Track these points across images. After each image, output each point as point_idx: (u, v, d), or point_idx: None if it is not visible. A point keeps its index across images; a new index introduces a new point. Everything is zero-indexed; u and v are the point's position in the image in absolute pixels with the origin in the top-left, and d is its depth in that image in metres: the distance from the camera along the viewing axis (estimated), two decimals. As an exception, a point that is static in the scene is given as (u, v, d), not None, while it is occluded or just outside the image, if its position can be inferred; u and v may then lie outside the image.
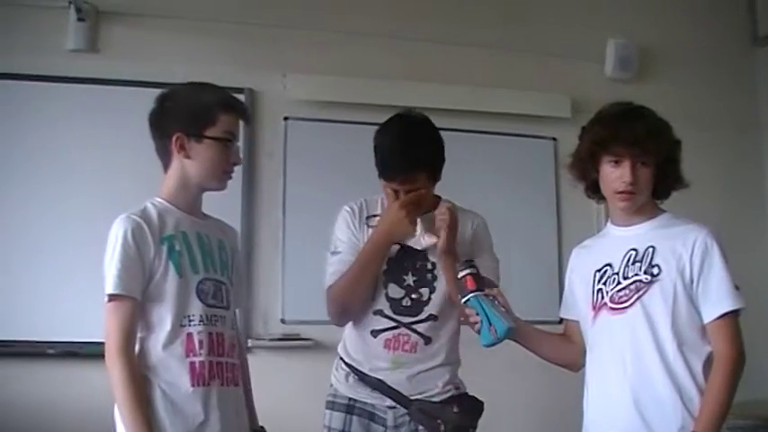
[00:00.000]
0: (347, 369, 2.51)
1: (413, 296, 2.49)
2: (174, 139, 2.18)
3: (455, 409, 2.43)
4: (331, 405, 2.53)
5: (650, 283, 2.17)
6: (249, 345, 4.14)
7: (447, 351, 2.54)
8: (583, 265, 2.38)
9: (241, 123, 2.31)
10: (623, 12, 5.00)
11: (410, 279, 2.50)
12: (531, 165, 4.74)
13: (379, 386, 2.44)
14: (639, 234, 2.25)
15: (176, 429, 2.05)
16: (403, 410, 2.43)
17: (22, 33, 4.09)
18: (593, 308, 2.27)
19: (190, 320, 2.13)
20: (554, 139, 4.69)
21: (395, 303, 2.48)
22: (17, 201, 3.97)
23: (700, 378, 2.11)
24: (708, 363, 2.12)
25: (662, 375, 2.11)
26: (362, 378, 2.47)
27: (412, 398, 2.43)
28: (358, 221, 2.56)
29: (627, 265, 2.23)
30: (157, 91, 3.93)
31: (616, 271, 2.25)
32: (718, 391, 2.06)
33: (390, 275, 2.50)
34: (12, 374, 3.81)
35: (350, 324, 2.56)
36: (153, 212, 2.16)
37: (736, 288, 2.13)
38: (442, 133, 4.63)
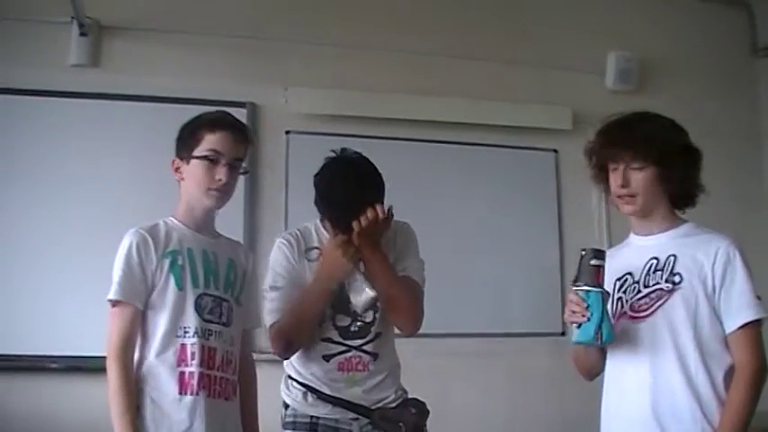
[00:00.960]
0: (302, 388, 2.55)
1: (360, 321, 2.56)
2: (172, 163, 2.35)
3: (413, 411, 2.54)
4: (292, 425, 2.54)
5: (672, 291, 2.17)
6: (253, 358, 4.13)
7: (391, 360, 2.64)
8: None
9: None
10: (624, 24, 5.02)
11: (353, 307, 2.56)
12: (532, 177, 4.74)
13: (340, 402, 2.50)
14: (661, 243, 2.26)
15: None
16: (365, 420, 2.51)
17: (25, 48, 4.10)
18: (613, 316, 2.26)
19: (185, 332, 2.23)
20: (555, 151, 4.70)
21: (343, 330, 2.55)
22: (18, 214, 3.96)
23: (720, 389, 2.10)
24: (729, 374, 2.11)
25: (682, 384, 2.11)
26: (321, 396, 2.52)
27: (372, 408, 2.51)
28: (297, 254, 2.57)
29: (648, 274, 2.23)
30: (159, 105, 4.04)
31: (636, 279, 2.25)
32: (738, 402, 2.05)
33: (338, 308, 2.54)
34: (14, 388, 3.80)
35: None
36: (162, 229, 2.30)
37: (758, 298, 2.12)
38: (444, 146, 4.68)
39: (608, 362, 2.30)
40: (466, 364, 4.33)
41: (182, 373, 2.19)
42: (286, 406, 2.60)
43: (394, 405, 2.56)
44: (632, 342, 2.20)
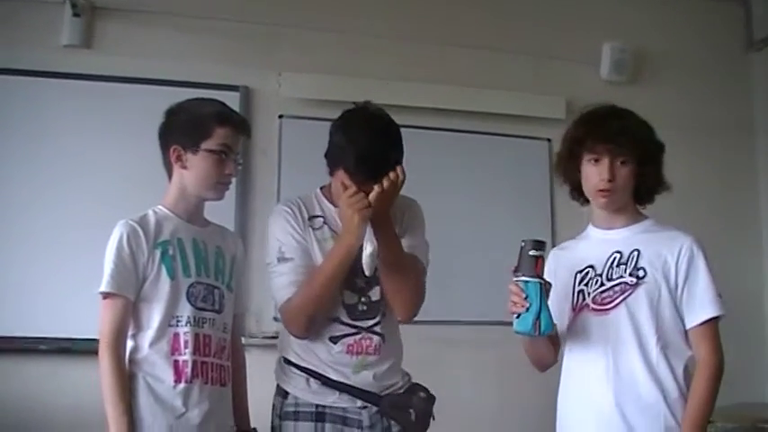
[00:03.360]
0: (304, 374, 2.39)
1: (366, 299, 2.41)
2: (171, 150, 2.31)
3: (422, 395, 2.45)
4: (294, 415, 2.38)
5: (635, 285, 2.19)
6: (243, 343, 4.13)
7: (398, 343, 2.52)
8: (562, 266, 2.37)
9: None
10: (619, 15, 5.01)
11: (361, 281, 2.40)
12: (525, 165, 4.74)
13: (347, 389, 2.36)
14: (624, 237, 2.27)
15: (157, 419, 2.17)
16: (375, 409, 2.37)
17: (17, 28, 4.07)
18: (574, 309, 2.29)
19: (178, 321, 2.25)
20: (548, 140, 4.69)
21: (351, 309, 2.40)
22: (7, 195, 3.95)
23: (681, 381, 2.15)
24: (688, 367, 2.16)
25: (645, 376, 2.14)
26: (326, 382, 2.37)
27: (382, 394, 2.39)
28: (302, 222, 2.42)
29: (611, 267, 2.24)
30: (152, 88, 4.01)
31: (599, 272, 2.26)
32: (700, 396, 2.09)
33: (344, 282, 2.36)
34: (3, 370, 3.80)
35: None
36: (152, 219, 2.29)
37: (719, 296, 2.15)
38: (438, 133, 4.68)
39: (567, 353, 2.32)
40: (457, 352, 4.34)
41: (176, 362, 2.21)
42: (285, 394, 2.43)
43: (402, 391, 2.45)
44: (595, 334, 2.22)
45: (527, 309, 2.09)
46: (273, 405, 2.46)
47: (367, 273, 2.32)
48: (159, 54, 4.24)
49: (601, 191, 2.24)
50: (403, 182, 2.31)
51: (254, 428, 2.48)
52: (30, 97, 4.04)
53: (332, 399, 2.36)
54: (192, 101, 2.41)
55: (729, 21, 5.33)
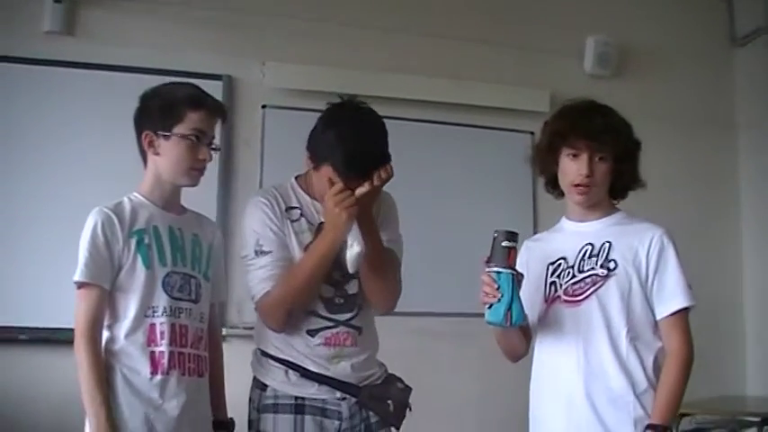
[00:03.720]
0: (283, 366, 2.37)
1: (342, 292, 2.40)
2: (144, 136, 2.27)
3: (400, 385, 2.46)
4: (273, 408, 2.35)
5: (606, 277, 2.20)
6: (224, 333, 4.11)
7: (374, 334, 2.53)
8: (535, 258, 2.37)
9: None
10: (603, 9, 5.03)
11: (337, 275, 2.38)
12: (508, 158, 4.73)
13: (326, 381, 2.35)
14: (596, 230, 2.28)
15: (134, 411, 2.14)
16: (353, 400, 2.37)
17: (-3, 13, 4.04)
18: (546, 300, 2.29)
19: (154, 311, 2.22)
20: (532, 133, 4.68)
21: (328, 303, 2.39)
22: (-14, 184, 3.92)
23: (650, 372, 2.16)
24: (657, 358, 2.18)
25: (615, 368, 2.15)
26: (306, 374, 2.35)
27: (360, 385, 2.39)
28: (279, 214, 2.38)
29: (583, 259, 2.25)
30: (135, 76, 3.98)
31: (571, 264, 2.27)
32: (671, 386, 2.11)
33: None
34: (-18, 359, 3.77)
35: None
36: (127, 207, 2.25)
37: (689, 287, 2.17)
38: (420, 125, 4.68)
39: (538, 344, 2.33)
40: (437, 344, 4.35)
41: (152, 353, 2.18)
42: (263, 387, 2.40)
43: (380, 382, 2.45)
44: (566, 326, 2.23)
45: (499, 299, 2.10)
46: (251, 398, 2.44)
47: (351, 270, 2.31)
48: (142, 42, 4.21)
49: (577, 186, 2.24)
50: (388, 180, 2.31)
51: (231, 418, 2.45)
52: (9, 84, 4.01)
53: (311, 390, 2.35)
54: (167, 85, 2.36)
55: (713, 16, 5.36)
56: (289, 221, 2.39)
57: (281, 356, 2.38)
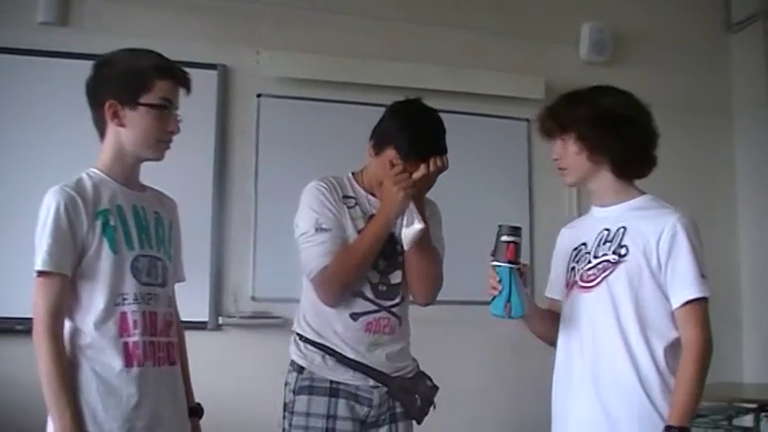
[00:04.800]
0: (320, 351, 2.45)
1: (386, 280, 2.50)
2: (107, 106, 2.10)
3: (428, 383, 2.53)
4: (309, 389, 2.43)
5: (617, 263, 2.18)
6: (220, 322, 4.13)
7: (408, 328, 2.61)
8: (564, 244, 2.41)
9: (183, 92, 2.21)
10: (598, -5, 5.02)
11: (382, 264, 2.49)
12: (504, 145, 4.76)
13: (361, 368, 2.43)
14: (615, 215, 2.27)
15: (109, 412, 1.98)
16: (384, 389, 2.45)
17: (-9, 4, 4.02)
18: (567, 285, 2.31)
19: (124, 299, 2.05)
20: (527, 120, 4.70)
21: (374, 287, 2.48)
22: (-21, 173, 3.91)
23: (661, 361, 2.13)
24: (671, 347, 2.13)
25: (621, 355, 2.13)
26: (342, 360, 2.43)
27: (393, 376, 2.47)
28: (337, 199, 2.48)
29: (599, 245, 2.25)
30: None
31: (588, 250, 2.27)
32: (684, 383, 2.07)
33: None
34: (-22, 350, 3.77)
35: (315, 304, 2.48)
36: (88, 184, 2.08)
37: (703, 276, 2.13)
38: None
39: (560, 328, 2.34)
40: (440, 332, 4.35)
41: (125, 344, 2.02)
42: (300, 369, 2.47)
43: (411, 375, 2.53)
44: (579, 311, 2.24)
45: (500, 292, 2.17)
46: (286, 381, 2.51)
47: (407, 247, 2.42)
48: (136, 32, 4.18)
49: (558, 168, 2.32)
50: (443, 170, 2.49)
51: (198, 404, 2.33)
52: (4, 75, 4.00)
53: (346, 376, 2.44)
54: (125, 51, 2.21)
55: (708, 2, 5.36)
56: (345, 207, 2.49)
57: (320, 341, 2.46)
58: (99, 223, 2.04)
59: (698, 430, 4.05)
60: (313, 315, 2.50)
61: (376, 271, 2.48)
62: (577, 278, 2.27)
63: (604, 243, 2.23)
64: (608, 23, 4.95)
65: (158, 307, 2.12)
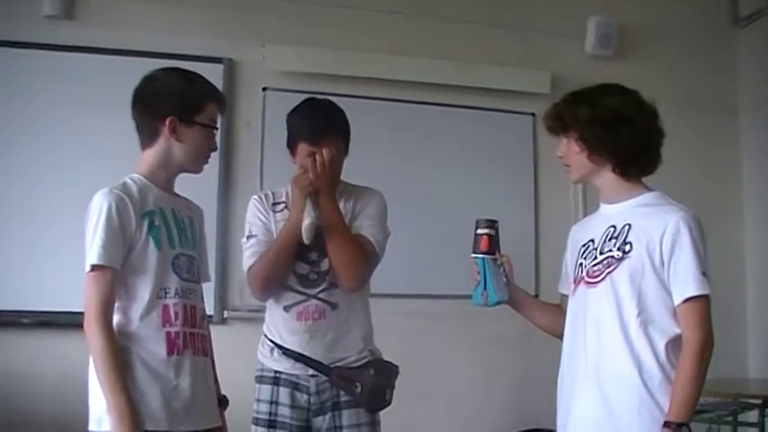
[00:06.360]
0: (271, 345, 2.69)
1: (317, 269, 2.66)
2: (167, 121, 2.28)
3: (371, 372, 2.64)
4: (259, 379, 2.70)
5: (621, 259, 2.20)
6: (225, 316, 4.14)
7: (355, 317, 2.71)
8: (574, 240, 2.43)
9: None
10: (605, -11, 5.00)
11: (314, 255, 2.66)
12: (509, 140, 4.75)
13: (300, 358, 2.62)
14: (621, 211, 2.29)
15: (153, 392, 2.15)
16: (324, 378, 2.62)
17: (-3, -2, 4.03)
18: (574, 281, 2.33)
19: (166, 293, 2.24)
20: (533, 114, 4.69)
21: (302, 278, 2.66)
22: (-12, 169, 3.92)
23: (662, 356, 2.14)
24: (673, 342, 2.15)
25: (623, 350, 2.15)
26: (285, 352, 2.65)
27: (331, 366, 2.62)
28: (267, 207, 2.73)
29: (605, 241, 2.27)
30: (134, 60, 3.98)
31: (595, 246, 2.29)
32: (683, 379, 2.09)
33: (298, 254, 2.65)
34: (-15, 343, 3.79)
35: (269, 303, 2.73)
36: (134, 188, 2.26)
37: (704, 274, 2.14)
38: (422, 107, 4.67)
39: (566, 322, 2.36)
40: (437, 326, 4.36)
41: (168, 333, 2.21)
42: (261, 363, 2.73)
43: (356, 365, 2.65)
44: (584, 306, 2.26)
45: (478, 282, 2.35)
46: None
47: (305, 241, 2.55)
48: (142, 26, 4.20)
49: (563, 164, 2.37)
50: (333, 160, 2.59)
51: (225, 395, 2.52)
52: (9, 68, 4.01)
53: (287, 365, 2.65)
54: (178, 71, 2.41)
55: (715, -4, 5.33)
56: (273, 213, 2.73)
57: (270, 337, 2.71)
58: (145, 223, 2.23)
59: (703, 426, 4.06)
60: (267, 314, 2.76)
61: (305, 263, 2.66)
62: (584, 274, 2.29)
63: (610, 239, 2.25)
64: (614, 18, 4.93)
65: (197, 301, 2.35)
